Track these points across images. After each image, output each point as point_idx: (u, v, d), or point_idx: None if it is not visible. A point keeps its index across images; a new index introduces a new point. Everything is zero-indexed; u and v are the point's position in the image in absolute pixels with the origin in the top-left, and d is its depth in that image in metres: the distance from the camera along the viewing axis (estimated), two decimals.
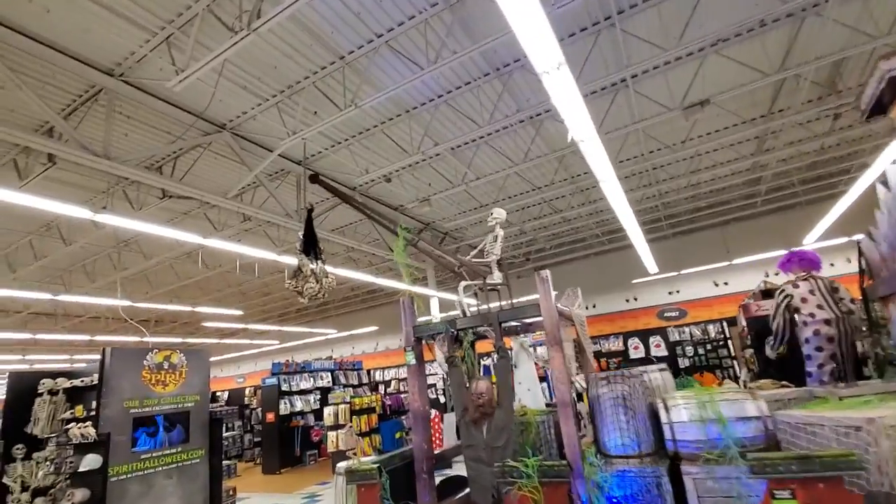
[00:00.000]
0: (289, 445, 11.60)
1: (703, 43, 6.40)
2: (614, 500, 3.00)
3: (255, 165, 7.24)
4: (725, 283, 13.54)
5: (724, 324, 13.07)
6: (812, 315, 4.01)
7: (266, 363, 21.36)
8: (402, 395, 13.09)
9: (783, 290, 4.29)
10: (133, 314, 13.85)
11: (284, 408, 11.74)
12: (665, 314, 14.17)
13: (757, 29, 6.50)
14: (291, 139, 6.43)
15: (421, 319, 4.17)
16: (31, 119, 6.20)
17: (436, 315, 12.24)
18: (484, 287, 4.31)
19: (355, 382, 14.63)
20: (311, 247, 4.04)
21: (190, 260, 11.91)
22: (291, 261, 8.54)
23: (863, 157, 10.69)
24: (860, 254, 3.91)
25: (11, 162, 6.66)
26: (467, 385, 3.71)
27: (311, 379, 13.12)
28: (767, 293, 6.62)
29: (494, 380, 3.83)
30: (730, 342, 12.91)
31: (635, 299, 14.80)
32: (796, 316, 4.17)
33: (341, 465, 4.07)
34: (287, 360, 12.89)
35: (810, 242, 11.39)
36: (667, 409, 3.13)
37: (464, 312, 4.07)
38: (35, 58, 5.14)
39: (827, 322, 3.94)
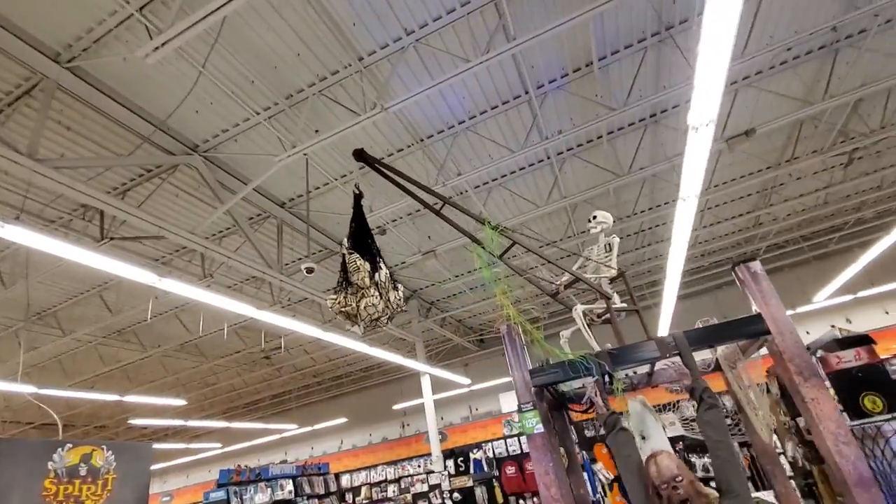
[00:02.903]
0: None
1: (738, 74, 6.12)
2: None
3: (228, 200, 5.74)
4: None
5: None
6: None
7: (201, 474, 17.56)
8: None
9: None
10: (34, 412, 10.78)
11: None
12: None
13: (790, 62, 6.28)
14: (286, 157, 5.06)
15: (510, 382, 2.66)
16: None
17: (427, 397, 10.31)
18: (610, 312, 2.94)
19: (322, 491, 11.83)
20: (364, 245, 2.56)
21: (120, 338, 9.55)
22: (277, 319, 6.72)
23: (866, 209, 10.72)
24: None
25: None
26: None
27: (269, 490, 10.34)
28: (851, 341, 5.68)
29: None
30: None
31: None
32: None
33: None
34: (238, 466, 10.15)
35: (821, 300, 10.97)
36: None
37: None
38: None
39: None
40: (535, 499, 12.23)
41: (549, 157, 7.06)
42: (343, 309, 2.42)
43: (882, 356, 4.28)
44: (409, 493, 9.35)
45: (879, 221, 11.06)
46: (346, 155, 6.18)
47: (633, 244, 10.38)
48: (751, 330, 2.22)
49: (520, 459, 12.80)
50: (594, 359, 2.40)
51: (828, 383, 3.58)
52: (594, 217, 3.36)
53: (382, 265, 2.60)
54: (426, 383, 10.35)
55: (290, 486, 10.95)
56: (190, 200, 6.27)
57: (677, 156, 6.27)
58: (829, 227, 11.54)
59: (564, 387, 3.04)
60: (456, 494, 8.25)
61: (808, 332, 9.01)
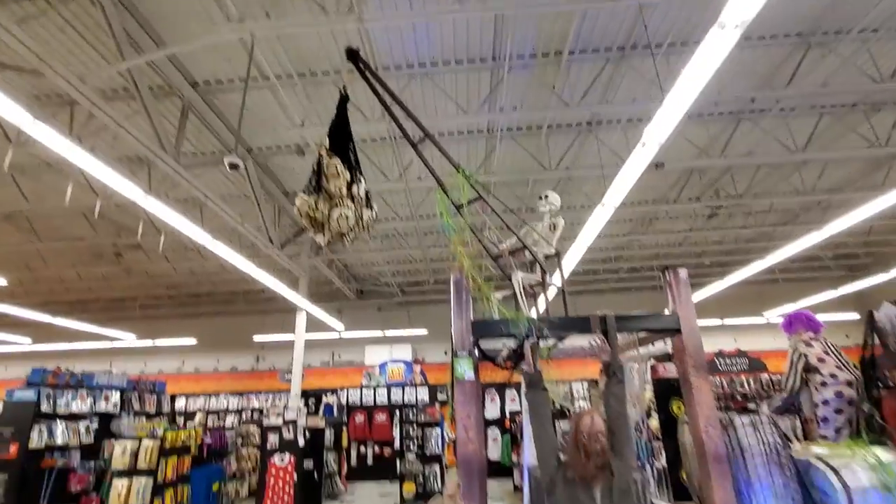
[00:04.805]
0: (30, 498, 7.57)
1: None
2: None
3: (133, 58, 4.76)
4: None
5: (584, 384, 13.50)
6: (833, 376, 3.93)
7: None
8: (228, 433, 10.06)
9: (797, 349, 4.19)
10: None
11: (39, 438, 7.74)
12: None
13: (705, 116, 7.20)
14: (224, 32, 4.36)
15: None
16: None
17: (300, 335, 10.01)
18: (544, 286, 3.16)
19: (153, 410, 10.85)
20: (344, 153, 2.30)
21: None
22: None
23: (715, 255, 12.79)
24: (872, 322, 4.07)
25: None
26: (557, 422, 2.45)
27: (91, 399, 9.16)
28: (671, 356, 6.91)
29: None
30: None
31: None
32: (814, 376, 4.06)
33: None
34: (57, 368, 8.78)
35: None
36: (835, 470, 2.41)
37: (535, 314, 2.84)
38: None
39: (849, 384, 3.89)
40: (376, 446, 12.81)
41: (489, 131, 7.17)
42: (312, 213, 2.20)
43: None
44: (259, 424, 9.08)
45: (713, 269, 13.43)
46: (292, 53, 5.56)
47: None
48: (668, 325, 2.58)
49: (370, 410, 13.23)
50: (535, 322, 2.57)
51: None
52: (546, 196, 3.54)
53: (362, 179, 2.42)
54: (301, 320, 10.01)
55: (115, 398, 9.84)
56: (79, 43, 5.08)
57: (604, 166, 6.86)
58: (674, 266, 13.70)
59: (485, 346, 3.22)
60: (307, 433, 8.23)
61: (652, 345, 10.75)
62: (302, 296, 9.83)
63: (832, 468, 2.42)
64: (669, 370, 6.14)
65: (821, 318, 4.54)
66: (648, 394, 6.78)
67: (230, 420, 14.04)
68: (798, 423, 5.85)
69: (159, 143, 5.58)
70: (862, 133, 7.29)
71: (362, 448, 12.76)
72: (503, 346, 3.11)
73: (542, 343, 2.82)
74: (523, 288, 3.31)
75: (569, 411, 6.45)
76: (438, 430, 9.06)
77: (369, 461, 12.65)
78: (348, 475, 11.43)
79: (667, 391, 5.21)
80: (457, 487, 5.97)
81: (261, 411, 13.54)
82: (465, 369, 2.51)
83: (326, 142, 2.33)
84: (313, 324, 11.93)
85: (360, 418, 13.00)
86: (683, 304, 2.57)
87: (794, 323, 4.46)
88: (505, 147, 7.57)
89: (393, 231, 10.93)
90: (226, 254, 7.19)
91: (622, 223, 10.95)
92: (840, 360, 4.02)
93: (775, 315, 12.43)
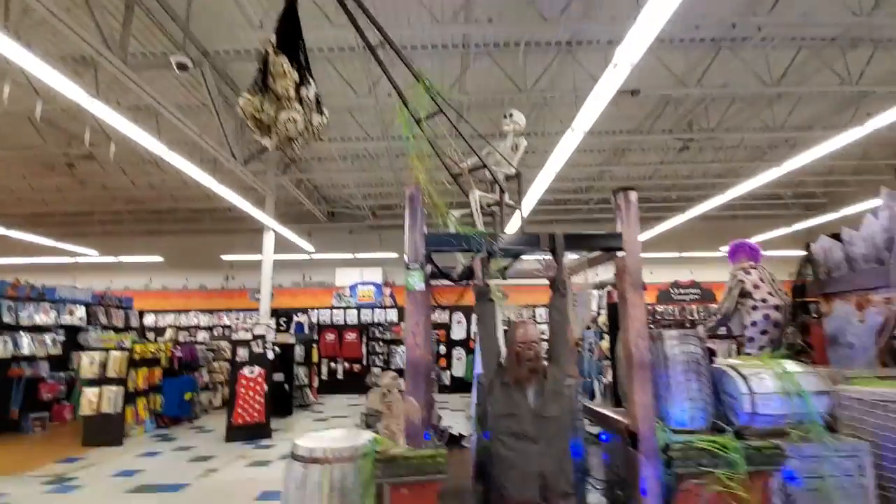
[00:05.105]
0: (1, 406, 7.74)
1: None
2: None
3: None
4: None
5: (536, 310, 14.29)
6: (764, 300, 4.25)
7: None
8: (198, 347, 10.28)
9: (736, 276, 4.46)
10: None
11: (3, 348, 7.76)
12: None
13: (687, 41, 6.99)
14: None
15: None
16: None
17: (268, 254, 9.99)
18: (502, 205, 3.20)
19: (121, 325, 10.94)
20: (293, 51, 2.14)
21: None
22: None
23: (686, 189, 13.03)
24: (808, 253, 4.35)
25: None
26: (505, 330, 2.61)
27: (55, 312, 9.12)
28: None
29: None
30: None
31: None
32: (746, 300, 4.37)
33: (362, 439, 2.34)
34: (17, 280, 8.59)
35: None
36: (744, 377, 2.68)
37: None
38: None
39: (777, 308, 4.22)
40: (346, 363, 13.41)
41: (464, 46, 6.81)
42: (257, 114, 2.10)
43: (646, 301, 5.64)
44: (228, 339, 9.37)
45: (676, 204, 13.74)
46: None
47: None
48: (611, 244, 2.69)
49: (340, 329, 13.67)
50: (486, 237, 2.64)
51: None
52: (510, 115, 3.47)
53: (312, 82, 2.29)
54: (269, 239, 9.93)
55: (81, 312, 9.83)
56: None
57: (580, 90, 6.69)
58: (644, 198, 13.93)
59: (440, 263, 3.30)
60: (277, 348, 8.50)
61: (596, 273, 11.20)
62: (269, 215, 9.67)
63: (742, 375, 2.69)
64: None
65: (772, 253, 4.77)
66: (602, 318, 7.19)
67: (202, 336, 14.31)
68: (734, 347, 6.38)
69: (103, 41, 5.11)
70: (836, 70, 7.27)
71: (333, 364, 13.33)
72: (460, 263, 3.20)
73: (495, 261, 2.92)
74: (481, 207, 3.35)
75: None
76: (403, 347, 9.47)
77: (340, 376, 13.28)
78: (319, 389, 12.03)
79: (618, 314, 5.54)
80: (392, 380, 6.41)
81: (232, 328, 13.84)
82: (415, 280, 2.58)
83: (273, 38, 2.17)
84: (283, 245, 11.89)
85: (330, 337, 13.45)
86: (629, 226, 2.65)
87: (738, 252, 4.71)
88: (480, 65, 7.25)
89: (364, 152, 10.63)
90: (184, 166, 6.90)
91: (595, 153, 10.94)
92: (773, 287, 4.33)
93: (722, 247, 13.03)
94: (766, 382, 2.65)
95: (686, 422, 2.63)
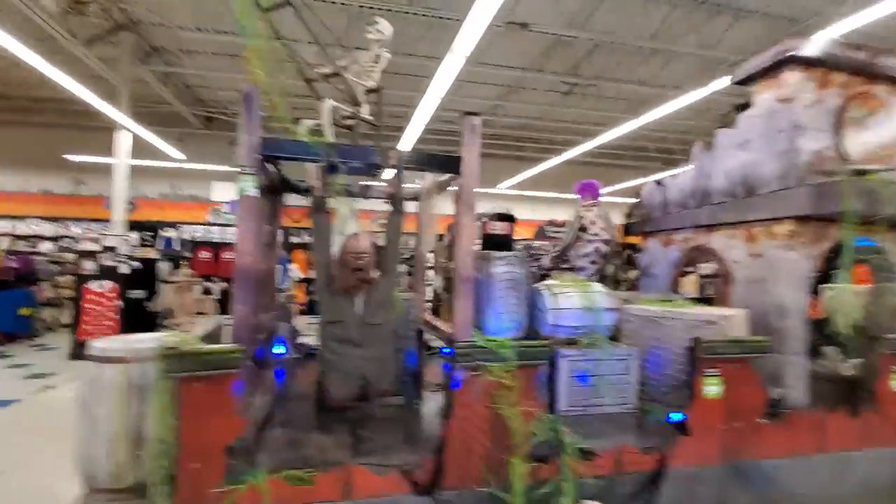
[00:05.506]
0: None
1: None
2: None
3: None
4: None
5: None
6: (596, 235, 4.82)
7: None
8: (38, 258, 9.01)
9: (578, 212, 4.98)
10: None
11: None
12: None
13: None
14: None
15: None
16: None
17: (122, 158, 8.81)
18: (357, 119, 3.14)
19: None
20: None
21: None
22: None
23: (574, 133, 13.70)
24: (638, 198, 4.98)
25: None
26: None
27: None
28: (502, 217, 7.79)
29: None
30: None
31: None
32: (584, 234, 4.92)
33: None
34: None
35: (503, 187, 14.21)
36: (554, 295, 3.10)
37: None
38: None
39: (605, 242, 4.82)
40: (224, 283, 12.73)
41: None
42: None
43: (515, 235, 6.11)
44: (74, 251, 8.29)
45: (561, 147, 14.57)
46: None
47: (389, 83, 10.55)
48: (451, 166, 2.81)
49: (217, 246, 12.82)
50: (328, 147, 2.60)
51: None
52: (375, 23, 3.31)
53: None
54: (124, 140, 8.71)
55: None
56: None
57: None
58: (533, 138, 14.54)
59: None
60: (136, 263, 7.76)
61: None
62: (122, 112, 8.41)
63: (552, 292, 3.11)
64: (496, 228, 6.89)
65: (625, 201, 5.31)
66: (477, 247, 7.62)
67: (46, 248, 12.53)
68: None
69: None
70: (702, 33, 7.96)
71: (209, 284, 12.61)
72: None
73: (339, 176, 2.90)
74: (337, 120, 3.25)
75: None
76: (282, 266, 9.26)
77: (217, 297, 12.65)
78: None
79: (490, 245, 5.93)
80: (188, 279, 6.41)
81: (74, 239, 12.30)
82: (247, 185, 2.50)
83: None
84: (148, 150, 10.55)
85: (206, 254, 12.58)
86: (469, 150, 2.78)
87: (584, 190, 5.21)
88: None
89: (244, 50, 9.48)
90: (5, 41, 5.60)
91: (490, 87, 11.00)
92: (606, 224, 4.91)
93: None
94: (570, 299, 3.10)
95: (502, 332, 3.00)
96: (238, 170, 2.54)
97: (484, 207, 4.39)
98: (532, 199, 15.44)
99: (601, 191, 5.22)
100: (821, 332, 3.54)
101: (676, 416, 2.65)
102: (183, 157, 12.02)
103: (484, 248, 7.27)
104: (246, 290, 2.50)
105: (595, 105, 11.44)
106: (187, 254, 11.81)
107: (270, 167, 3.05)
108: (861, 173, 3.12)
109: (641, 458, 2.38)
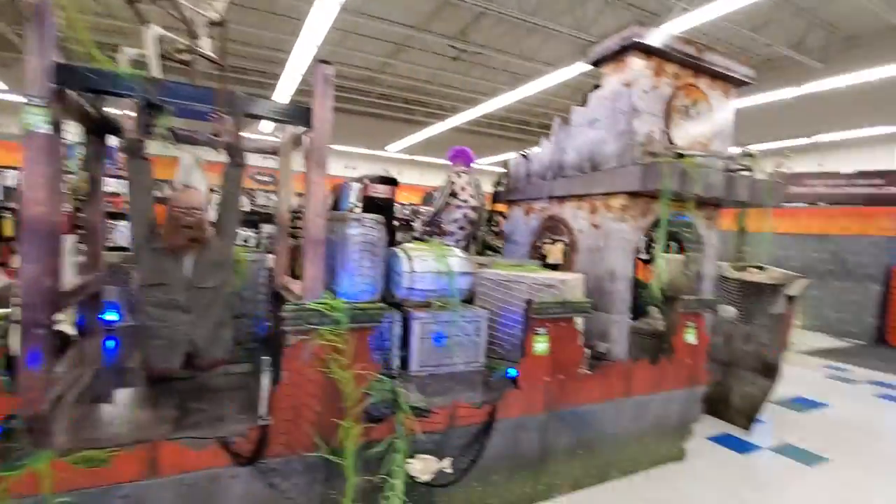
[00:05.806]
0: None
1: None
2: None
3: None
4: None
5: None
6: (465, 201, 4.95)
7: None
8: None
9: (449, 178, 5.04)
10: None
11: None
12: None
13: None
14: None
15: None
16: None
17: None
18: (194, 53, 2.75)
19: None
20: None
21: None
22: None
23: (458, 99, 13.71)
24: (506, 168, 5.19)
25: None
26: (159, 193, 2.34)
27: None
28: (385, 180, 7.68)
29: None
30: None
31: None
32: (454, 199, 5.01)
33: None
34: None
35: (392, 151, 13.94)
36: (410, 258, 3.12)
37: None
38: None
39: (474, 209, 4.97)
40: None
41: None
42: None
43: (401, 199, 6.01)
44: None
45: (449, 113, 14.66)
46: None
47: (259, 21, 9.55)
48: (299, 118, 2.59)
49: None
50: (147, 82, 2.22)
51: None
52: None
53: None
54: None
55: None
56: None
57: None
58: (422, 101, 14.39)
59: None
60: None
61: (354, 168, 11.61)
62: None
63: (408, 256, 3.12)
64: (378, 190, 6.69)
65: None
66: (358, 210, 7.37)
67: None
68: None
69: None
70: (576, 15, 8.40)
71: None
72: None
73: (164, 117, 2.52)
74: (171, 52, 2.82)
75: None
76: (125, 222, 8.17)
77: None
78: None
79: (371, 208, 5.74)
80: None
81: None
82: (37, 119, 2.06)
83: None
84: None
85: None
86: (320, 103, 2.59)
87: (457, 157, 5.28)
88: None
89: None
90: None
91: (379, 43, 10.54)
92: (476, 191, 5.05)
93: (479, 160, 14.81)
94: (425, 263, 3.14)
95: (355, 295, 2.95)
96: (25, 100, 2.08)
97: (371, 169, 4.21)
98: (421, 164, 15.44)
99: (475, 159, 5.34)
100: (648, 295, 4.09)
101: (513, 372, 2.87)
102: (3, 86, 9.76)
103: (365, 211, 7.13)
104: (37, 247, 2.09)
105: (483, 74, 11.62)
106: (12, 205, 9.75)
107: (85, 102, 2.55)
108: (680, 156, 3.56)
109: (474, 412, 2.53)
